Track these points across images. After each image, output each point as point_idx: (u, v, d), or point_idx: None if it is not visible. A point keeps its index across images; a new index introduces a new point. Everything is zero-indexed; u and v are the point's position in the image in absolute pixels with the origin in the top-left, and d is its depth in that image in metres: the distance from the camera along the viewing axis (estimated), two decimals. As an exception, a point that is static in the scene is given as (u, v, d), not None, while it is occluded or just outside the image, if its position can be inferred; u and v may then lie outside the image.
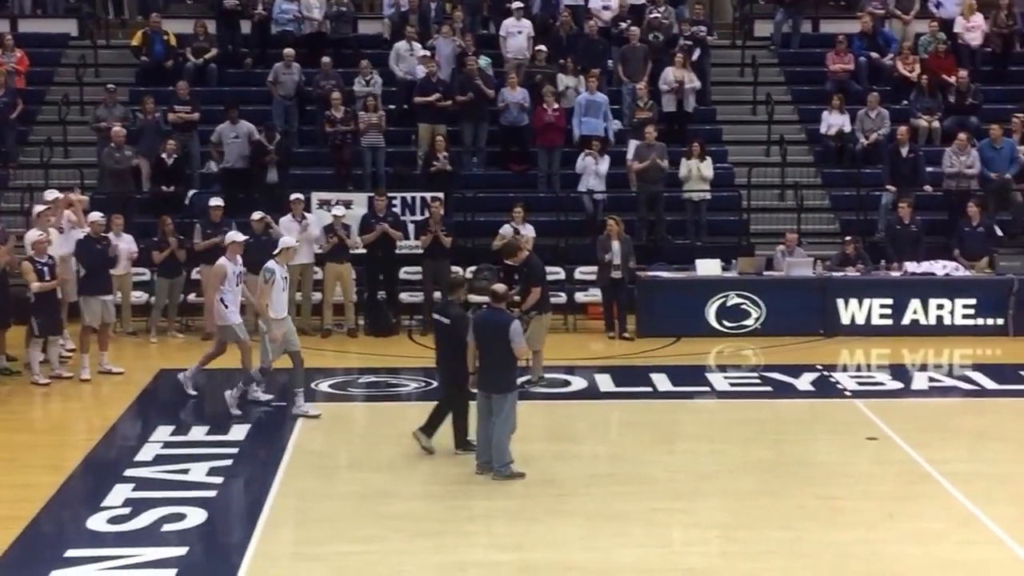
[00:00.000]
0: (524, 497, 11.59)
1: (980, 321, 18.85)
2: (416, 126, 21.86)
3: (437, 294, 17.99)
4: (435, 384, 14.15)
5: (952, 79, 22.82)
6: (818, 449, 13.34)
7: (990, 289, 18.99)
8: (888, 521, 10.97)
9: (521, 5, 23.09)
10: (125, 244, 18.02)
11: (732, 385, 16.16)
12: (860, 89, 23.05)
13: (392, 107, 22.42)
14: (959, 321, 18.85)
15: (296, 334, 14.69)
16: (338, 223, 18.74)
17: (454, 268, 18.84)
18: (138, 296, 19.07)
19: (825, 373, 16.47)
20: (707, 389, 15.95)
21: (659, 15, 23.41)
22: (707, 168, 20.87)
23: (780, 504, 11.46)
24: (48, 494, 11.62)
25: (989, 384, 16.03)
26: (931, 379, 16.51)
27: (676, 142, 21.55)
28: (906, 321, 18.85)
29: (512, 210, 19.21)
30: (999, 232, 20.42)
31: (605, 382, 16.09)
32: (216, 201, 18.76)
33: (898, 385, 16.11)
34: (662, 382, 16.00)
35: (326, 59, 22.36)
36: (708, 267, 19.17)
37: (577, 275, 19.79)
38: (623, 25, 23.28)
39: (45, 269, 15.77)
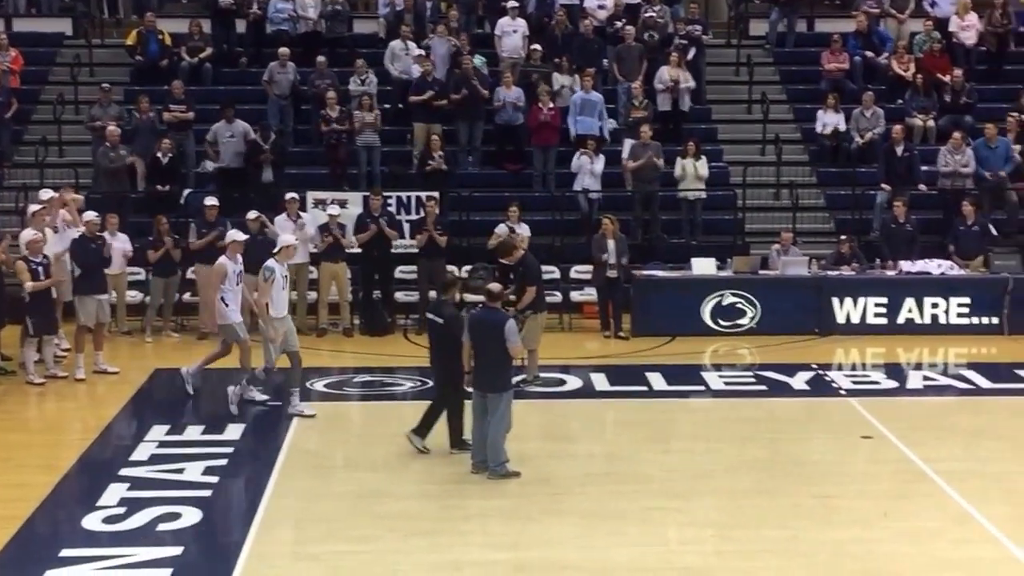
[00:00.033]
0: (520, 496, 11.59)
1: (975, 320, 18.86)
2: (411, 125, 21.86)
3: (432, 293, 17.99)
4: (430, 383, 14.15)
5: (947, 78, 22.80)
6: (813, 448, 13.33)
7: (985, 288, 19.00)
8: (883, 520, 10.98)
9: (516, 4, 23.08)
10: (120, 243, 18.02)
11: (727, 384, 16.15)
12: (855, 88, 23.08)
13: (387, 106, 22.40)
14: (954, 320, 18.87)
15: (296, 334, 14.69)
16: (333, 222, 18.72)
17: (449, 267, 18.87)
18: (133, 296, 19.02)
19: (820, 372, 16.47)
20: (702, 388, 15.94)
21: (654, 14, 23.40)
22: (702, 167, 20.85)
23: (775, 503, 11.47)
24: (43, 494, 11.61)
25: (984, 383, 16.03)
26: (926, 378, 16.51)
27: (671, 141, 21.55)
28: (901, 320, 18.86)
29: (507, 209, 19.16)
30: (994, 231, 20.42)
31: (600, 381, 16.09)
32: (211, 200, 18.73)
33: (893, 384, 16.10)
34: (657, 381, 15.99)
35: (321, 58, 22.34)
36: (703, 266, 19.16)
37: (573, 274, 19.75)
38: (618, 24, 23.30)
39: (40, 268, 15.71)
